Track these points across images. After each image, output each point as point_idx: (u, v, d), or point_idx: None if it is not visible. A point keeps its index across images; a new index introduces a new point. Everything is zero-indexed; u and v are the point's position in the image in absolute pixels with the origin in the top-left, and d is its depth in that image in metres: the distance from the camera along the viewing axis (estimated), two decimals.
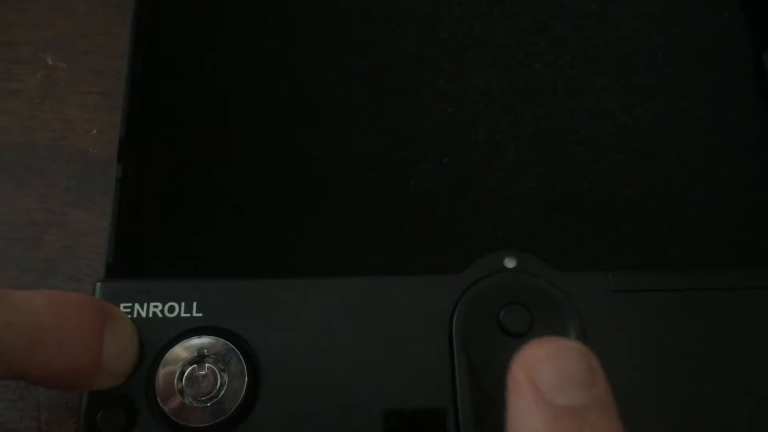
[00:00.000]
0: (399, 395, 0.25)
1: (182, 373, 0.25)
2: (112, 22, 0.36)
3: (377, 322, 0.26)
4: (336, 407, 0.25)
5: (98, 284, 0.26)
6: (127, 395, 0.25)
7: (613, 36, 0.35)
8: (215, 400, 0.25)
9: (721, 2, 0.36)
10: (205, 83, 0.34)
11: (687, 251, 0.32)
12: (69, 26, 0.36)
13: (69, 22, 0.36)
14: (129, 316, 0.26)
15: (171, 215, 0.32)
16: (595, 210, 0.32)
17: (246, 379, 0.25)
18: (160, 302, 0.26)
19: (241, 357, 0.25)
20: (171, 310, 0.26)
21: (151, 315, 0.26)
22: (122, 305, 0.26)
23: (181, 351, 0.25)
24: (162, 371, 0.25)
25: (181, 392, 0.25)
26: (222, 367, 0.25)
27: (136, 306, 0.26)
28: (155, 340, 0.26)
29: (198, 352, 0.25)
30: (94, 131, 0.34)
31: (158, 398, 0.25)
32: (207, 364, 0.25)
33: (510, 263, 0.27)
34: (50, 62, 0.35)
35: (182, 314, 0.26)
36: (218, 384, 0.25)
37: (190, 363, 0.25)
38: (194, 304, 0.26)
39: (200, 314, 0.26)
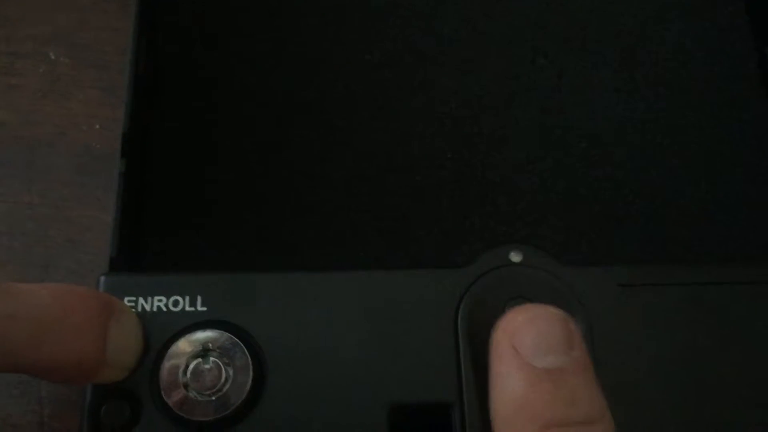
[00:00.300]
0: (404, 389, 0.25)
1: (187, 366, 0.25)
2: (115, 17, 0.36)
3: (382, 315, 0.26)
4: (341, 401, 0.25)
5: (102, 278, 0.26)
6: (132, 389, 0.25)
7: (615, 30, 0.35)
8: (220, 393, 0.25)
9: None
10: (208, 79, 0.34)
11: (690, 246, 0.32)
12: (71, 21, 0.36)
13: (71, 17, 0.36)
14: (133, 309, 0.26)
15: (174, 210, 0.32)
16: (599, 205, 0.32)
17: (251, 373, 0.25)
18: (164, 296, 0.26)
19: (246, 351, 0.25)
20: (175, 303, 0.26)
21: (155, 309, 0.26)
22: (126, 299, 0.26)
23: (186, 345, 0.25)
24: (166, 365, 0.25)
25: (186, 386, 0.25)
26: (226, 361, 0.25)
27: (140, 300, 0.26)
28: (159, 333, 0.25)
29: (202, 346, 0.25)
30: (97, 126, 0.34)
31: (162, 392, 0.25)
32: (211, 358, 0.25)
33: (515, 257, 0.27)
34: (52, 57, 0.35)
35: (186, 308, 0.26)
36: (223, 378, 0.25)
37: (195, 357, 0.25)
38: (198, 298, 0.26)
39: (204, 308, 0.26)
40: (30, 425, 0.29)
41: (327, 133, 0.33)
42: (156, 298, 0.26)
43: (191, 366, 0.25)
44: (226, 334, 0.25)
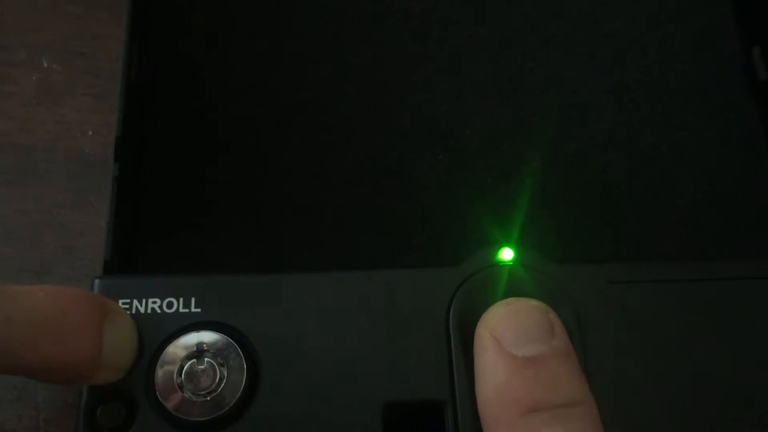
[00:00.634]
0: (397, 387, 0.25)
1: (181, 367, 0.25)
2: (107, 25, 0.36)
3: (375, 315, 0.26)
4: (335, 399, 0.25)
5: (96, 280, 0.27)
6: (127, 390, 0.25)
7: (604, 33, 0.36)
8: (215, 394, 0.25)
9: None
10: (201, 83, 0.34)
11: (680, 246, 0.32)
12: (64, 29, 0.36)
13: (64, 25, 0.36)
14: (128, 311, 0.26)
15: (168, 214, 0.32)
16: (590, 205, 0.32)
17: (245, 373, 0.25)
18: (159, 298, 0.26)
19: (240, 351, 0.25)
20: (169, 305, 0.26)
21: (149, 311, 0.26)
22: (121, 301, 0.26)
23: (180, 346, 0.25)
24: (161, 366, 0.25)
25: (181, 387, 0.25)
26: (221, 362, 0.25)
27: (135, 302, 0.26)
28: (154, 335, 0.26)
29: (197, 347, 0.25)
30: (90, 132, 0.34)
31: (158, 393, 0.25)
32: (206, 359, 0.25)
33: (506, 256, 0.27)
34: (45, 65, 0.36)
35: (181, 309, 0.26)
36: (217, 378, 0.25)
37: (189, 358, 0.25)
38: (192, 299, 0.26)
39: (199, 309, 0.26)
40: (26, 430, 0.29)
41: (321, 135, 0.33)
42: (150, 299, 0.26)
43: (186, 367, 0.25)
44: (221, 335, 0.25)
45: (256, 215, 0.32)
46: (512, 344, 0.23)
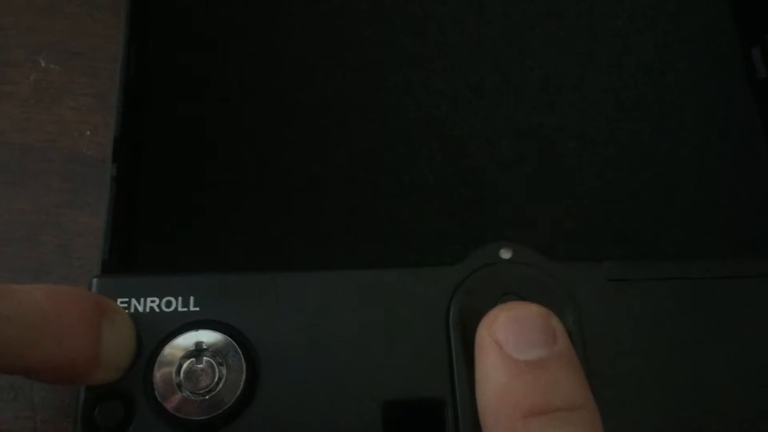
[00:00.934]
0: (397, 386, 0.25)
1: (180, 367, 0.25)
2: (105, 25, 0.36)
3: (375, 313, 0.26)
4: (334, 398, 0.25)
5: (94, 279, 0.26)
6: (125, 389, 0.25)
7: (603, 32, 0.36)
8: (213, 393, 0.25)
9: None
10: (198, 83, 0.34)
11: (679, 245, 0.32)
12: (62, 29, 0.36)
13: (62, 25, 0.36)
14: (126, 310, 0.26)
15: (166, 214, 0.32)
16: (588, 204, 0.32)
17: (244, 372, 0.25)
18: (157, 297, 0.26)
19: (239, 350, 0.25)
20: (168, 304, 0.26)
21: (148, 310, 0.26)
22: (119, 300, 0.26)
23: (179, 345, 0.25)
24: (160, 365, 0.25)
25: (179, 386, 0.25)
26: (220, 361, 0.25)
27: (133, 301, 0.26)
28: (153, 334, 0.25)
29: (196, 346, 0.25)
30: (88, 133, 0.34)
31: (156, 392, 0.25)
32: (205, 358, 0.25)
33: (505, 254, 0.27)
34: (43, 65, 0.35)
35: (179, 308, 0.26)
36: (216, 377, 0.25)
37: (188, 357, 0.25)
38: (191, 298, 0.26)
39: (197, 308, 0.26)
40: (23, 430, 0.29)
41: (318, 134, 0.33)
42: (149, 298, 0.26)
43: (184, 366, 0.25)
44: (220, 334, 0.25)
45: (254, 215, 0.32)
46: (513, 348, 0.23)
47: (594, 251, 0.31)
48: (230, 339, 0.25)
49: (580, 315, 0.26)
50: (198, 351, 0.25)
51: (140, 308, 0.26)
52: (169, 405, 0.24)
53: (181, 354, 0.25)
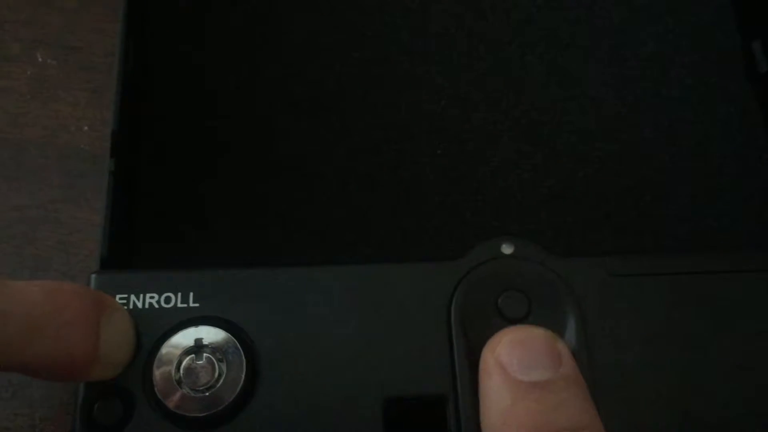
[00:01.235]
0: (398, 382, 0.25)
1: (179, 363, 0.25)
2: (102, 19, 0.36)
3: (376, 309, 0.26)
4: (335, 395, 0.25)
5: (93, 275, 0.26)
6: (125, 386, 0.25)
7: (603, 26, 0.35)
8: (213, 390, 0.24)
9: None
10: (197, 77, 0.34)
11: (680, 240, 0.32)
12: (59, 23, 0.36)
13: (59, 19, 0.36)
14: (125, 307, 0.25)
15: (164, 209, 0.32)
16: (589, 199, 0.32)
17: (244, 369, 0.25)
18: (156, 293, 0.26)
19: (239, 346, 0.25)
20: (167, 300, 0.26)
21: (147, 306, 0.26)
22: (118, 296, 0.26)
23: (179, 341, 0.25)
24: (159, 362, 0.25)
25: (179, 383, 0.24)
26: (220, 357, 0.25)
27: (132, 297, 0.26)
28: (152, 330, 0.25)
29: (195, 343, 0.25)
30: (86, 128, 0.34)
31: (155, 389, 0.24)
32: (204, 354, 0.25)
33: (507, 249, 0.27)
34: (40, 59, 0.35)
35: (179, 305, 0.26)
36: (216, 374, 0.25)
37: (188, 353, 0.25)
38: (191, 294, 0.26)
39: (197, 304, 0.26)
40: (21, 428, 0.29)
41: (319, 130, 0.33)
42: (148, 295, 0.26)
43: (184, 363, 0.25)
44: (219, 330, 0.25)
45: (254, 210, 0.32)
46: (517, 370, 0.23)
47: (595, 246, 0.31)
48: (230, 335, 0.25)
49: (582, 310, 0.26)
50: (198, 347, 0.25)
51: (139, 304, 0.26)
52: (169, 402, 0.24)
53: (180, 351, 0.25)
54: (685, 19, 0.36)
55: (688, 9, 0.36)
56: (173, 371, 0.25)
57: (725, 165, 0.33)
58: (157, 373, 0.25)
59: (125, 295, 0.26)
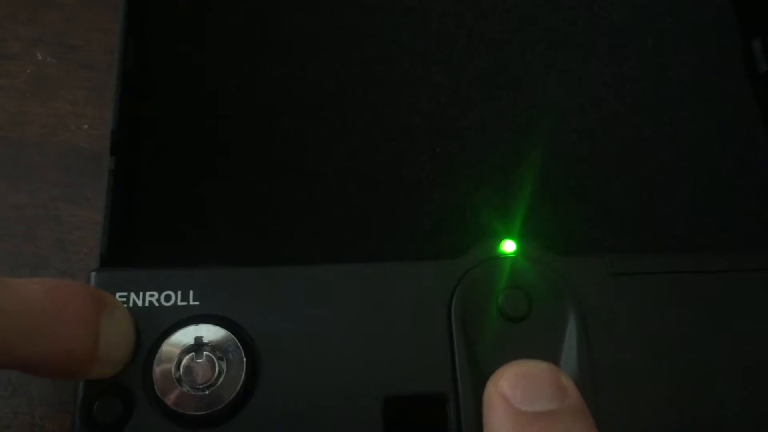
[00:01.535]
0: (399, 381, 0.25)
1: (179, 361, 0.25)
2: (102, 17, 0.36)
3: (376, 307, 0.26)
4: (335, 393, 0.25)
5: (93, 273, 0.26)
6: (124, 384, 0.25)
7: (603, 25, 0.35)
8: (213, 388, 0.24)
9: None
10: (197, 76, 0.34)
11: (679, 239, 0.32)
12: (58, 21, 0.36)
13: (58, 18, 0.36)
14: (125, 305, 0.25)
15: (164, 209, 0.32)
16: (589, 198, 0.32)
17: (244, 367, 0.25)
18: (156, 291, 0.26)
19: (239, 345, 0.25)
20: (167, 298, 0.26)
21: (147, 304, 0.26)
22: (118, 294, 0.26)
23: (178, 340, 0.25)
24: (159, 360, 0.25)
25: (179, 381, 0.24)
26: (219, 355, 0.25)
27: (132, 295, 0.26)
28: (152, 328, 0.25)
29: (195, 341, 0.25)
30: (85, 126, 0.34)
31: (155, 387, 0.24)
32: (204, 353, 0.25)
33: (508, 248, 0.27)
34: (40, 57, 0.35)
35: (179, 303, 0.26)
36: (216, 372, 0.24)
37: (188, 352, 0.25)
38: (191, 292, 0.26)
39: (197, 302, 0.26)
40: (21, 426, 0.29)
41: (319, 129, 0.33)
42: (148, 293, 0.26)
43: (184, 361, 0.25)
44: (219, 329, 0.25)
45: (254, 209, 0.32)
46: (521, 401, 0.23)
47: (595, 245, 0.31)
48: (230, 333, 0.25)
49: (583, 309, 0.26)
50: (198, 346, 0.25)
51: (139, 302, 0.26)
52: (169, 400, 0.24)
53: (180, 349, 0.25)
54: (685, 19, 0.36)
55: (688, 9, 0.36)
56: (173, 369, 0.25)
57: (724, 165, 0.33)
58: (157, 371, 0.25)
59: (125, 293, 0.26)
